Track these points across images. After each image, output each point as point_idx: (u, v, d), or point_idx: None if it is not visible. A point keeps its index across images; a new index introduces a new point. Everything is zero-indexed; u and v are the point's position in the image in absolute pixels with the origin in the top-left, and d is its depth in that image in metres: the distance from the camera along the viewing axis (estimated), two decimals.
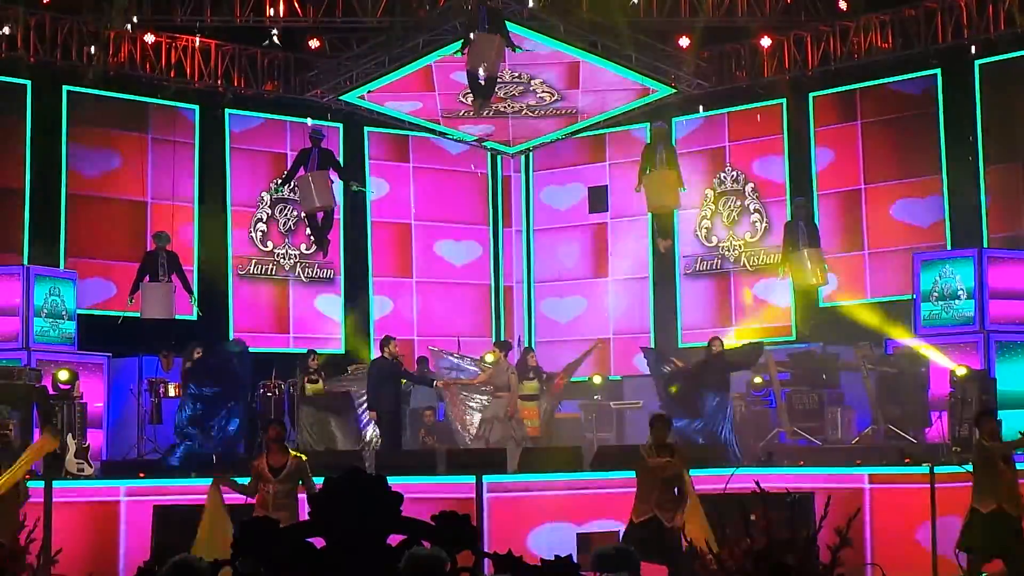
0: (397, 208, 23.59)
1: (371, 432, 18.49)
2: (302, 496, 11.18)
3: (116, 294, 19.98)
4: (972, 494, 11.72)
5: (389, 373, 17.56)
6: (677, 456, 11.77)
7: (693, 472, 13.42)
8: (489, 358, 18.83)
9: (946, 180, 20.26)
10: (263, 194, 22.18)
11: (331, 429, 18.00)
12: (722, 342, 17.77)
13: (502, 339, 22.34)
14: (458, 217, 24.15)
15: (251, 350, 20.45)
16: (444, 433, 18.58)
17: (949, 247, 19.72)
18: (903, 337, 18.25)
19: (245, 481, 11.29)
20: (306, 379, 17.86)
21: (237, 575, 4.93)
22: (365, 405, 18.22)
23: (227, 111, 21.95)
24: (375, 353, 22.20)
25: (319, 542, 5.26)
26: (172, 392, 17.46)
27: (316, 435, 17.69)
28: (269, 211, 22.24)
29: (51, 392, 16.23)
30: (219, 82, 21.55)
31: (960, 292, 17.97)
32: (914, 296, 18.53)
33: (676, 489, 11.62)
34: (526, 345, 21.82)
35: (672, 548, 11.00)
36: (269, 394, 17.95)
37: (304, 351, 18.99)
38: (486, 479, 13.80)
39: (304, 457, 11.50)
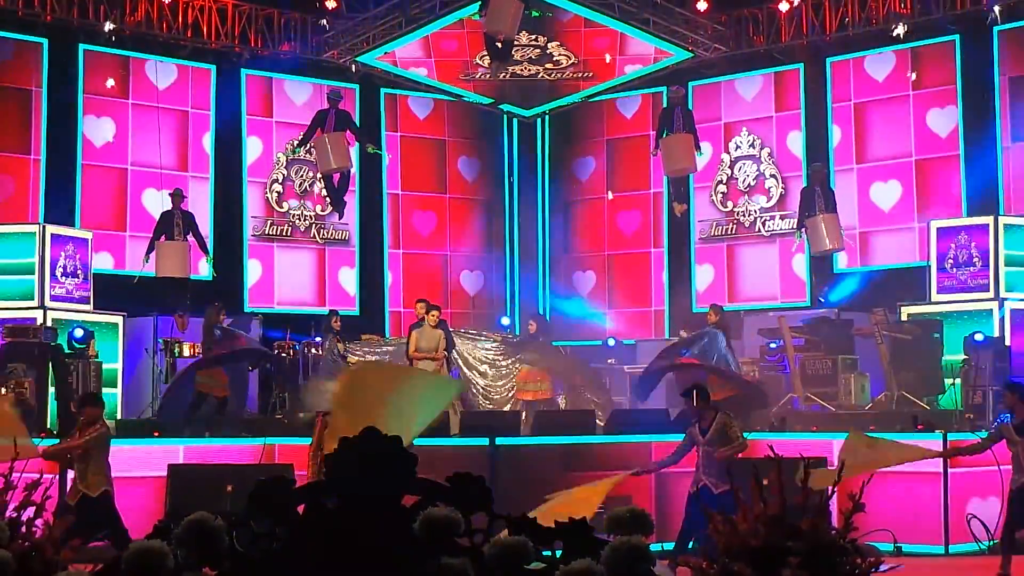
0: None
1: None
2: None
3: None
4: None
5: None
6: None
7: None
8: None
9: (963, 150, 20.15)
10: (279, 155, 22.15)
11: None
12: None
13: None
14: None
15: (265, 311, 20.55)
16: None
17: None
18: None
19: None
20: (336, 339, 17.88)
21: (252, 533, 4.96)
22: None
23: (243, 71, 21.90)
24: (389, 317, 22.31)
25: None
26: (187, 352, 17.48)
27: None
28: (285, 172, 22.22)
29: (66, 351, 16.31)
30: (235, 42, 21.51)
31: (975, 259, 17.91)
32: (929, 263, 18.47)
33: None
34: (540, 313, 21.87)
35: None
36: (284, 355, 17.99)
37: (325, 311, 19.06)
38: (499, 441, 13.91)
39: None
